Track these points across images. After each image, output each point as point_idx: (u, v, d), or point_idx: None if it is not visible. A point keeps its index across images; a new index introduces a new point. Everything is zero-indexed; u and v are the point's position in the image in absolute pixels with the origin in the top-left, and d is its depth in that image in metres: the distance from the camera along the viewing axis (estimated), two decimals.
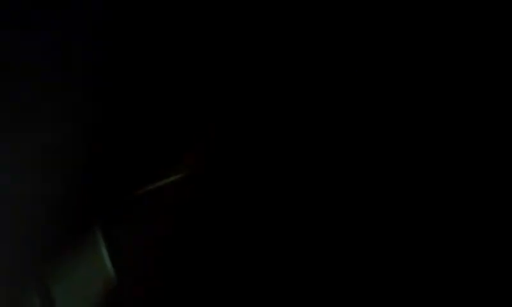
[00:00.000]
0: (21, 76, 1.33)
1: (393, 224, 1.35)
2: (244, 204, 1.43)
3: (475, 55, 1.33)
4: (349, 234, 1.37)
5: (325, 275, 1.36)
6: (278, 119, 1.46)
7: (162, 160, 1.47)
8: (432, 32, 1.37)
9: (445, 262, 1.31)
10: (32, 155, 1.36)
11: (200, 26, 1.45)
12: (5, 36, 1.31)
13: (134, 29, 1.42)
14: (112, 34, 1.39)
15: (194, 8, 1.43)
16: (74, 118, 1.40)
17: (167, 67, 1.46)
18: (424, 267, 1.31)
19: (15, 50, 1.32)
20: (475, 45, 1.33)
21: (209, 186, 1.46)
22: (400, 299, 1.31)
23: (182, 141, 1.47)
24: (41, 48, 1.35)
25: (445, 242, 1.31)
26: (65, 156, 1.40)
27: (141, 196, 1.47)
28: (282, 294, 1.38)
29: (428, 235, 1.32)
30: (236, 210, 1.44)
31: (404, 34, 1.38)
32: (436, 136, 1.36)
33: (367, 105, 1.41)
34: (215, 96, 1.47)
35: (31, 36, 1.33)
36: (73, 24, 1.36)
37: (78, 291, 1.37)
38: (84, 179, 1.43)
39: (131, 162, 1.47)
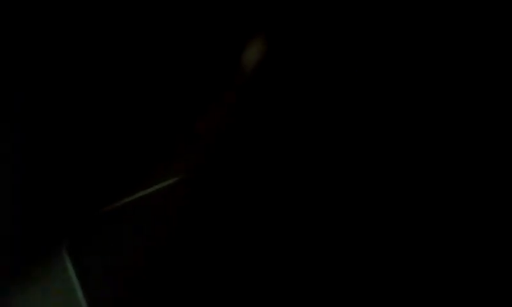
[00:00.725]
0: None
1: (393, 224, 1.35)
2: (238, 209, 1.34)
3: (475, 55, 1.37)
4: (348, 234, 1.35)
5: (324, 278, 1.32)
6: (274, 121, 1.40)
7: (148, 166, 1.31)
8: (432, 32, 1.39)
9: (445, 262, 1.32)
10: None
11: (193, 25, 1.35)
12: None
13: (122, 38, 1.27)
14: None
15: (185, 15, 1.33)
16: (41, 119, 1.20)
17: (155, 69, 1.33)
18: (423, 266, 1.32)
19: None
20: (475, 45, 1.37)
21: (200, 191, 1.32)
22: (400, 298, 1.30)
23: (169, 147, 1.33)
24: None
25: (445, 241, 1.33)
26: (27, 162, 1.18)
27: (117, 209, 1.29)
28: (278, 298, 1.30)
29: (428, 235, 1.34)
30: (228, 216, 1.34)
31: (404, 34, 1.39)
32: (436, 136, 1.38)
33: (366, 105, 1.39)
34: (204, 97, 1.36)
35: None
36: None
37: None
38: (48, 196, 1.22)
39: (105, 170, 1.28)
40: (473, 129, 1.36)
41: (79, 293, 1.20)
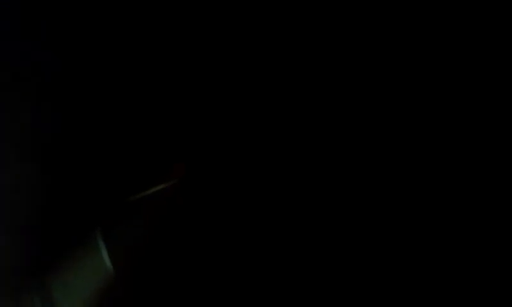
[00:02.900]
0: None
1: (393, 224, 1.36)
2: (236, 210, 1.47)
3: (475, 55, 1.29)
4: (347, 235, 1.39)
5: (322, 278, 1.38)
6: (272, 124, 1.47)
7: (154, 167, 1.52)
8: (432, 32, 1.33)
9: (445, 262, 1.31)
10: (32, 154, 1.40)
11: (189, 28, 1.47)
12: None
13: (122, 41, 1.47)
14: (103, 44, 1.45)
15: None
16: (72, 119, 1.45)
17: (157, 75, 1.50)
18: (423, 266, 1.32)
19: None
20: (475, 45, 1.28)
21: (200, 192, 1.49)
22: (400, 298, 1.32)
23: (172, 149, 1.52)
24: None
25: (444, 241, 1.32)
26: (64, 158, 1.46)
27: (136, 200, 1.53)
28: (275, 296, 1.40)
29: (428, 235, 1.33)
30: (228, 215, 1.47)
31: (404, 34, 1.35)
32: (436, 136, 1.34)
33: (366, 105, 1.39)
34: (204, 102, 1.49)
35: None
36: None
37: (79, 291, 1.45)
38: (83, 183, 1.50)
39: (127, 169, 1.53)
40: (473, 129, 1.28)
41: (108, 264, 1.49)
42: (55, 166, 1.44)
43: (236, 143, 1.48)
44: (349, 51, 1.41)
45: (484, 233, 1.27)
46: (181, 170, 1.50)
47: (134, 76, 1.48)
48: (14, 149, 1.40)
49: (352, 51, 1.40)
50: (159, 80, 1.50)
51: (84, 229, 1.48)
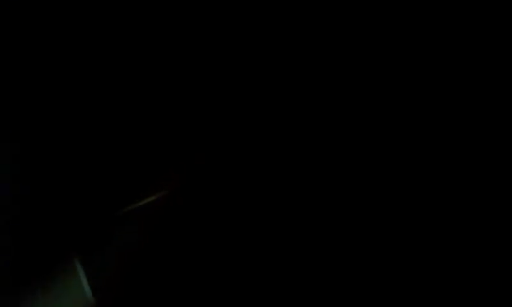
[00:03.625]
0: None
1: (393, 224, 1.34)
2: (229, 223, 1.39)
3: (475, 55, 1.34)
4: (346, 235, 1.36)
5: (322, 281, 1.33)
6: (270, 126, 1.42)
7: (142, 179, 1.39)
8: (432, 32, 1.37)
9: (445, 262, 1.30)
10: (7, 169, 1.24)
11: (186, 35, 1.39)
12: None
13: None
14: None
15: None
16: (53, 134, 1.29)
17: (145, 88, 1.41)
18: (423, 266, 1.31)
19: None
20: (475, 45, 1.34)
21: (193, 201, 1.38)
22: (400, 298, 1.29)
23: (162, 160, 1.40)
24: None
25: (444, 241, 1.31)
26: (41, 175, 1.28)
27: (124, 214, 1.37)
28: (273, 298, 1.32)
29: (428, 235, 1.32)
30: (221, 229, 1.39)
31: (404, 34, 1.38)
32: (436, 136, 1.36)
33: (366, 105, 1.39)
34: (195, 112, 1.41)
35: None
36: None
37: None
38: (59, 203, 1.32)
39: (113, 182, 1.36)
40: (473, 129, 1.34)
41: (87, 290, 1.30)
42: (35, 184, 1.25)
43: (229, 152, 1.41)
44: (349, 51, 1.42)
45: (484, 233, 1.31)
46: (172, 181, 1.37)
47: (122, 88, 1.37)
48: None
49: (353, 51, 1.41)
50: (147, 93, 1.39)
51: (61, 253, 1.29)
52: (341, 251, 1.34)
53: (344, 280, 1.32)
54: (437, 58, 1.39)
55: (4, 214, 1.22)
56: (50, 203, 1.30)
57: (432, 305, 1.27)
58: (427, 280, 1.29)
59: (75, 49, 1.33)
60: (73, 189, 1.35)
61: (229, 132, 1.45)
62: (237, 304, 1.33)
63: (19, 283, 1.25)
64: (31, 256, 1.26)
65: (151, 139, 1.41)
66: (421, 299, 1.28)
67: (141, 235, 1.37)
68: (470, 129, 1.36)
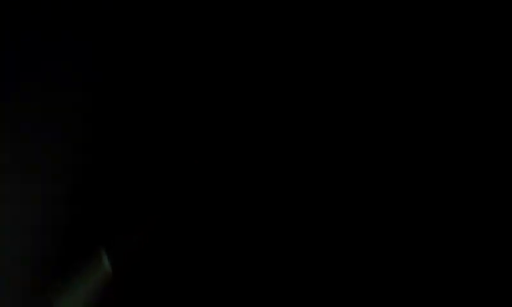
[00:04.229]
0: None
1: (393, 224, 1.35)
2: (230, 218, 1.43)
3: (475, 55, 1.34)
4: (346, 235, 1.38)
5: (322, 281, 1.36)
6: (270, 126, 1.45)
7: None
8: (432, 32, 1.36)
9: (445, 262, 1.32)
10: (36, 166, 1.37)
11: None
12: None
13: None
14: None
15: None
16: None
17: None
18: (423, 266, 1.32)
19: None
20: (475, 45, 1.34)
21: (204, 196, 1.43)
22: (400, 298, 1.31)
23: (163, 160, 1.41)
24: None
25: (444, 241, 1.33)
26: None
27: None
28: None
29: (428, 235, 1.33)
30: (222, 224, 1.43)
31: (404, 34, 1.37)
32: (436, 136, 1.36)
33: (366, 105, 1.40)
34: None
35: None
36: None
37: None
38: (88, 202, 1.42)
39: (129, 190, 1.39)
40: (473, 129, 1.34)
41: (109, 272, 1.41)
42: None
43: (229, 152, 1.44)
44: (349, 51, 1.41)
45: (484, 233, 1.33)
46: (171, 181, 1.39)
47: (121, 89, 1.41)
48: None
49: (352, 51, 1.41)
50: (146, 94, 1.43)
51: (88, 245, 1.41)
52: (341, 251, 1.37)
53: (344, 280, 1.35)
54: (437, 58, 1.39)
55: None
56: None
57: (432, 305, 1.29)
58: (427, 280, 1.31)
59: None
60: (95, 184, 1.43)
61: (229, 132, 1.45)
62: (237, 304, 1.36)
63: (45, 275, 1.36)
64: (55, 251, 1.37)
65: (150, 139, 1.41)
66: (421, 299, 1.30)
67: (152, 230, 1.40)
68: (470, 129, 1.36)
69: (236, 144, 1.45)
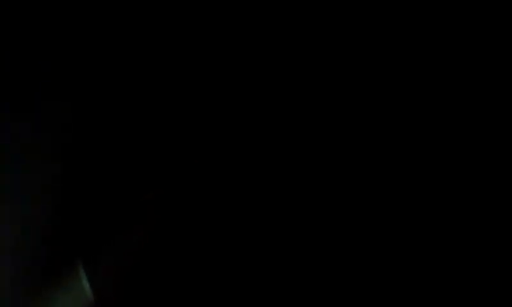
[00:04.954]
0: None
1: (393, 224, 1.35)
2: (230, 218, 1.41)
3: (475, 55, 1.34)
4: (346, 235, 1.37)
5: (322, 281, 1.35)
6: (269, 127, 1.43)
7: (140, 177, 1.39)
8: (432, 32, 1.36)
9: (445, 262, 1.31)
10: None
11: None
12: None
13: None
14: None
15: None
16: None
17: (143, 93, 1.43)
18: (423, 266, 1.32)
19: None
20: (475, 45, 1.34)
21: (190, 200, 1.39)
22: (400, 299, 1.30)
23: (162, 159, 1.40)
24: None
25: (444, 242, 1.32)
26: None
27: (121, 215, 1.38)
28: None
29: (428, 235, 1.33)
30: (221, 224, 1.41)
31: (404, 34, 1.37)
32: (436, 136, 1.36)
33: (366, 105, 1.38)
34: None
35: None
36: None
37: None
38: (64, 211, 1.32)
39: (109, 181, 1.37)
40: (473, 129, 1.34)
41: (89, 295, 1.30)
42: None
43: (229, 152, 1.42)
44: (349, 51, 1.42)
45: (484, 233, 1.32)
46: (170, 181, 1.38)
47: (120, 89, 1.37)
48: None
49: (352, 51, 1.41)
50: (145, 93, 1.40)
51: (65, 260, 1.33)
52: (341, 251, 1.36)
53: (344, 280, 1.34)
54: (437, 58, 1.39)
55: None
56: (53, 204, 1.30)
57: (432, 305, 1.28)
58: (427, 280, 1.30)
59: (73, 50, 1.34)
60: (74, 190, 1.35)
61: (228, 132, 1.43)
62: (237, 304, 1.33)
63: (21, 284, 1.28)
64: (33, 257, 1.27)
65: (149, 139, 1.41)
66: (421, 299, 1.29)
67: (141, 235, 1.38)
68: (470, 129, 1.36)
69: (236, 144, 1.43)
